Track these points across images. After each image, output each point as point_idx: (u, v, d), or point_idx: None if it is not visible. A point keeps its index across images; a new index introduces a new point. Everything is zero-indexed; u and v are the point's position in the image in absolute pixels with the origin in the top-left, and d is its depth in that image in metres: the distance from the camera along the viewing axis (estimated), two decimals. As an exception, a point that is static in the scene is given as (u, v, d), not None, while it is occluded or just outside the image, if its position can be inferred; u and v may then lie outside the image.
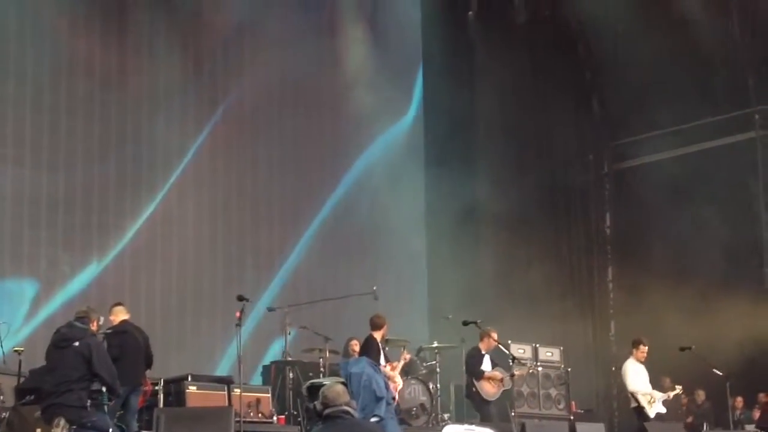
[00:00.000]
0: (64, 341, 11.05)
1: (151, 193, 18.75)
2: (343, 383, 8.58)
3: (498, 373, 15.84)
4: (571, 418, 17.11)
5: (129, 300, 16.14)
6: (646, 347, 16.19)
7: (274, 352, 18.29)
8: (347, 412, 8.48)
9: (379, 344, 14.80)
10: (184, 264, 18.92)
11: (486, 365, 15.96)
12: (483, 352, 15.94)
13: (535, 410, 17.11)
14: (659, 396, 16.18)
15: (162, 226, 18.77)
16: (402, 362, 15.24)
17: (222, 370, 17.51)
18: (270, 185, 20.24)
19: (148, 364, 13.30)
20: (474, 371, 15.88)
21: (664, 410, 16.20)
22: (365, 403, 12.70)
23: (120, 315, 13.39)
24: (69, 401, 10.69)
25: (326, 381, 8.68)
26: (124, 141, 18.48)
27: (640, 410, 16.03)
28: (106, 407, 11.21)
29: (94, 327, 11.56)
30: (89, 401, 10.85)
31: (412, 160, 22.22)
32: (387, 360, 14.94)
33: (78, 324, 11.27)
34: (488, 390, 15.80)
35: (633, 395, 16.12)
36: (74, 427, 10.53)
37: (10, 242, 17.10)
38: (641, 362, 16.21)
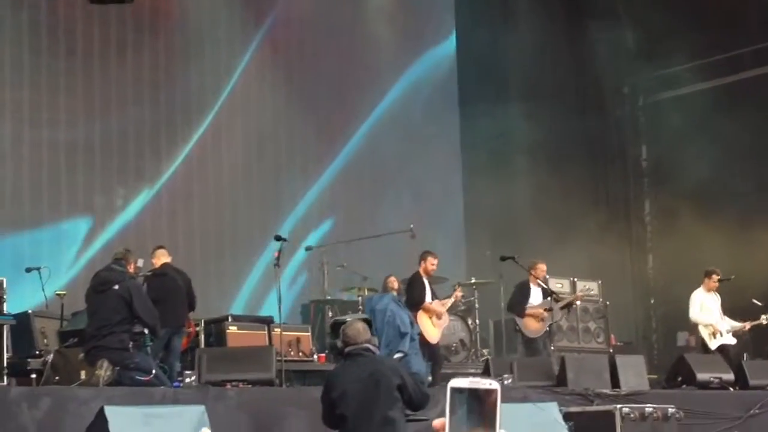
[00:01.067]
0: (104, 285, 11.15)
1: (187, 135, 18.79)
2: (366, 320, 8.63)
3: (541, 309, 15.43)
4: (611, 351, 17.10)
5: (168, 242, 16.26)
6: (718, 277, 16.00)
7: (311, 291, 18.37)
8: (368, 350, 8.54)
9: (425, 281, 14.73)
10: (221, 205, 18.99)
11: (536, 298, 15.57)
12: (531, 286, 15.59)
13: (575, 344, 17.11)
14: (726, 327, 16.03)
15: (197, 169, 18.82)
16: (453, 299, 15.06)
17: (261, 310, 17.60)
18: (304, 122, 20.17)
19: (191, 306, 13.39)
20: (515, 308, 15.53)
21: (732, 341, 15.99)
22: (389, 339, 12.66)
23: (162, 258, 13.48)
24: (111, 344, 10.81)
25: (350, 318, 8.74)
26: (157, 86, 18.50)
27: (702, 342, 15.98)
28: (148, 349, 11.33)
29: (131, 269, 11.65)
30: (131, 343, 10.97)
31: (447, 94, 22.05)
32: (435, 296, 14.81)
33: (116, 267, 11.37)
34: (531, 326, 15.38)
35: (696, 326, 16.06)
36: (117, 368, 10.64)
37: (48, 189, 17.21)
38: (712, 292, 16.04)
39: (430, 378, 13.17)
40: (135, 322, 11.05)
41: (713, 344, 15.83)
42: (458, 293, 15.18)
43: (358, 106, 20.98)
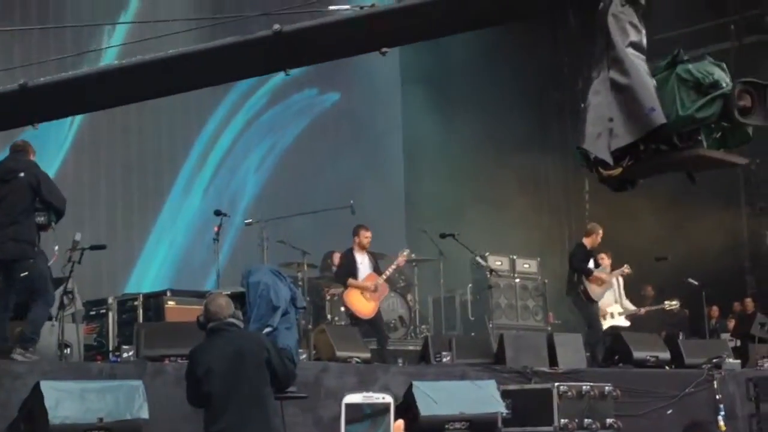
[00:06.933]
0: (10, 174, 10.80)
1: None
2: (238, 294, 8.49)
3: (604, 274, 15.51)
4: (549, 329, 17.18)
5: (107, 215, 16.08)
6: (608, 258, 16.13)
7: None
8: (232, 324, 8.36)
9: (356, 257, 14.72)
10: (161, 179, 18.87)
11: (592, 263, 15.58)
12: (588, 248, 15.58)
13: (513, 322, 17.16)
14: (618, 310, 16.35)
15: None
16: (394, 266, 15.03)
17: (200, 285, 17.49)
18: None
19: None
20: (582, 268, 15.37)
21: (625, 323, 16.34)
22: (261, 314, 11.91)
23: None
24: (19, 235, 10.57)
25: (227, 292, 8.62)
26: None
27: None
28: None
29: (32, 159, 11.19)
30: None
31: (390, 76, 22.03)
32: (376, 269, 14.74)
33: (20, 157, 10.91)
34: (595, 289, 15.38)
35: None
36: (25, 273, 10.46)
37: None
38: (615, 276, 16.13)
39: (304, 356, 12.57)
40: (39, 210, 10.68)
41: (604, 324, 15.91)
42: (401, 259, 15.08)
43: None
